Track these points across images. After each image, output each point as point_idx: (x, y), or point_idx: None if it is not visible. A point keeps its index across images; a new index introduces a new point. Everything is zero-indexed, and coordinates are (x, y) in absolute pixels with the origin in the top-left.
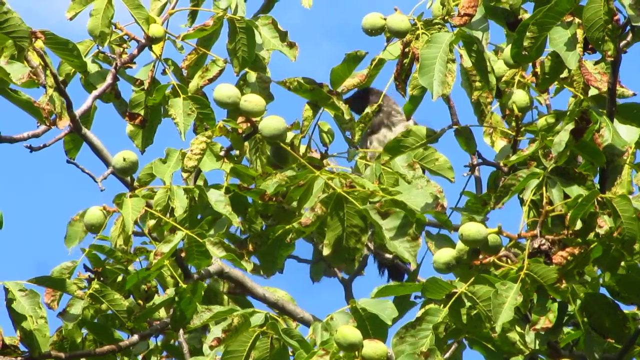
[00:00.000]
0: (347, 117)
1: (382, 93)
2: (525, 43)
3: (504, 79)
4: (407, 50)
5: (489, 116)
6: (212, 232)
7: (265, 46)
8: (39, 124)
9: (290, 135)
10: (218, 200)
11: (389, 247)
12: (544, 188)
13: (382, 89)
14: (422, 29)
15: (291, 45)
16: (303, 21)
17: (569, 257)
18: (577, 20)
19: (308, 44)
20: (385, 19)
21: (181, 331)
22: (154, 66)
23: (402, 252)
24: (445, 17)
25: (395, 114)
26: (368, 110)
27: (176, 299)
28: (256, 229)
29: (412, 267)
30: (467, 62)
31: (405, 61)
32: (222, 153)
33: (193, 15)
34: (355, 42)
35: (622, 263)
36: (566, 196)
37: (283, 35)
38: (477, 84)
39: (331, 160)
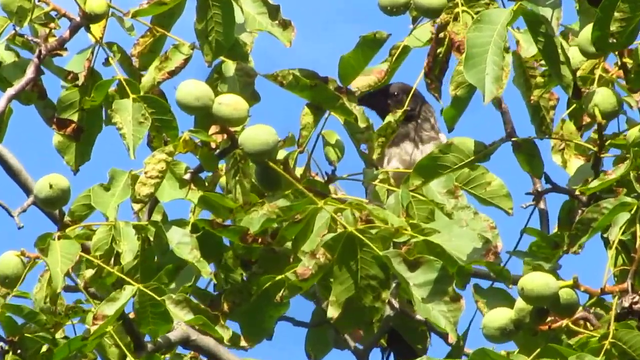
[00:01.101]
0: (362, 124)
1: (410, 90)
2: (613, 26)
3: (578, 73)
4: (442, 35)
5: (558, 125)
6: (173, 286)
7: (249, 26)
8: None
9: (283, 151)
10: (182, 242)
11: (419, 311)
12: (637, 224)
13: (407, 82)
14: (463, 4)
15: (285, 25)
16: None
17: None
18: None
19: (315, 26)
20: None
21: None
22: (92, 53)
23: (437, 318)
24: None
25: (425, 125)
26: (390, 118)
27: None
28: (235, 280)
29: (451, 339)
30: (528, 50)
31: (439, 50)
32: (187, 176)
33: None
34: (379, 24)
35: None
36: None
37: (273, 11)
38: (538, 79)
39: (340, 185)
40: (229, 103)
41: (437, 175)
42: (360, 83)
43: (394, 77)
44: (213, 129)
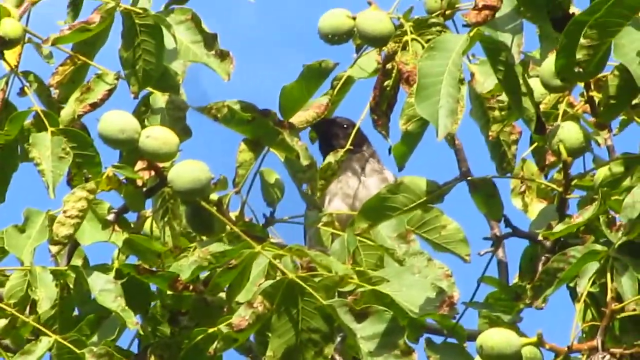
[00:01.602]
0: (305, 161)
1: (352, 125)
2: (580, 54)
3: (541, 107)
4: (389, 66)
5: (519, 166)
6: (95, 338)
7: (182, 57)
8: None
9: (215, 194)
10: (105, 289)
11: None
12: (608, 275)
13: (351, 117)
14: (412, 32)
15: (222, 56)
16: (258, 21)
17: None
18: None
19: (267, 54)
20: (354, 18)
21: None
22: (6, 83)
23: None
24: (447, 12)
25: (372, 159)
26: (331, 158)
27: None
28: (163, 333)
29: None
30: (484, 85)
31: (387, 83)
32: (111, 217)
33: (75, 5)
34: (325, 52)
35: None
36: None
37: (210, 40)
38: (497, 113)
39: (277, 230)
40: (157, 136)
41: (385, 218)
42: (298, 119)
43: (337, 111)
44: (139, 164)
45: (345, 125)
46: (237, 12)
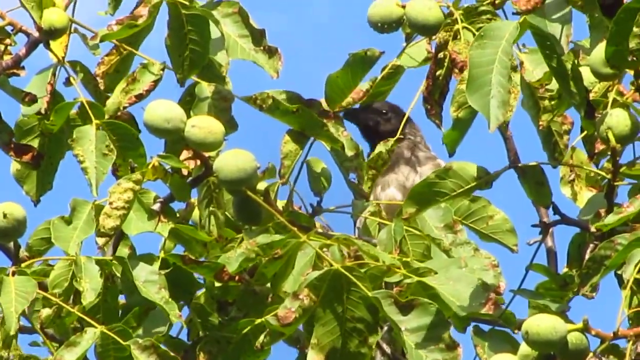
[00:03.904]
0: (350, 152)
1: (392, 110)
2: (632, 42)
3: (590, 96)
4: (441, 55)
5: (568, 154)
6: (140, 331)
7: (230, 53)
8: None
9: (263, 183)
10: (149, 280)
11: (411, 359)
12: None
13: (401, 107)
14: (462, 20)
15: (271, 52)
16: (330, 19)
17: None
18: None
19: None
20: (403, 7)
21: None
22: (54, 75)
23: None
24: (497, 1)
25: (421, 146)
26: (382, 147)
27: None
28: (211, 323)
29: None
30: (533, 73)
31: (439, 72)
32: (157, 207)
33: None
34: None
35: None
36: None
37: (257, 36)
38: (547, 102)
39: (325, 219)
40: (203, 126)
41: (433, 203)
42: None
43: (388, 99)
44: (185, 154)
45: (384, 111)
46: (310, 8)
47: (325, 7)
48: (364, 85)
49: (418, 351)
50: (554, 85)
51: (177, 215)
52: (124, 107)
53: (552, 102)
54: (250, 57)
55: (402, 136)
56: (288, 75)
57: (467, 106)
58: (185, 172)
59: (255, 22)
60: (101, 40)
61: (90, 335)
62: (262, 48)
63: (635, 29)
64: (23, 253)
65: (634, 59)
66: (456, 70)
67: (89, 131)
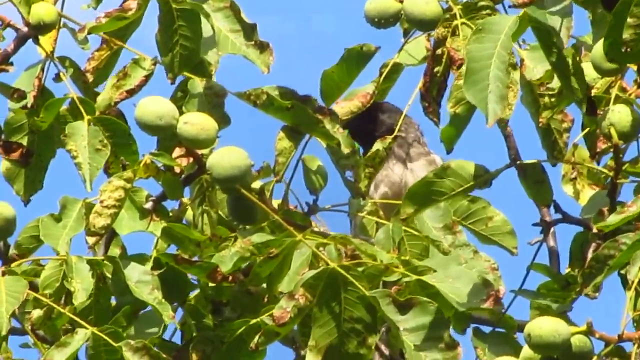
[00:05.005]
0: (346, 149)
1: (399, 112)
2: (626, 34)
3: (592, 92)
4: (439, 51)
5: (570, 151)
6: (132, 331)
7: (221, 47)
8: None
9: (258, 182)
10: (141, 280)
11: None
12: None
13: (397, 103)
14: (462, 16)
15: (262, 47)
16: (336, 27)
17: None
18: None
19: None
20: (401, 1)
21: None
22: (42, 70)
23: None
24: None
25: (415, 142)
26: (379, 145)
27: None
28: (205, 325)
29: None
30: (534, 71)
31: (437, 69)
32: (149, 205)
33: None
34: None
35: None
36: None
37: (249, 30)
38: (547, 99)
39: (321, 218)
40: (196, 122)
41: (432, 203)
42: (342, 110)
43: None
44: (177, 151)
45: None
46: (316, 16)
47: (329, 17)
48: (368, 87)
49: (418, 352)
50: (555, 84)
51: (170, 214)
52: (115, 103)
53: (552, 100)
54: (241, 52)
55: (399, 134)
56: (287, 81)
57: (465, 102)
58: (177, 169)
59: (247, 18)
60: (89, 33)
61: (81, 336)
62: (253, 43)
63: (629, 20)
64: (12, 251)
65: (629, 50)
66: (454, 67)
67: (81, 127)
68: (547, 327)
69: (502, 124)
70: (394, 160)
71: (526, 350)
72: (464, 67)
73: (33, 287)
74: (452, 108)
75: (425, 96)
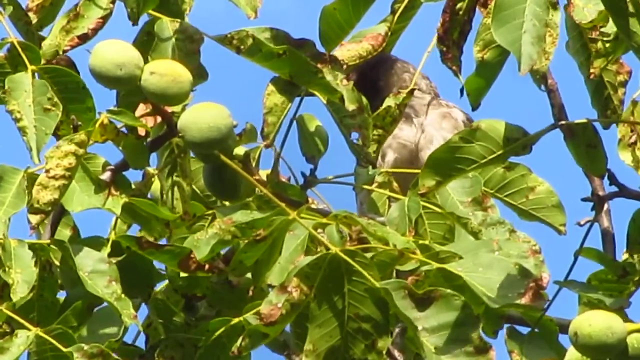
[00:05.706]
0: (351, 105)
1: (408, 66)
2: None
3: None
4: None
5: (628, 110)
6: (84, 332)
7: None
8: None
9: (241, 148)
10: (96, 270)
11: None
12: None
13: (407, 58)
14: None
15: None
16: None
17: None
18: None
19: None
20: None
21: None
22: None
23: None
24: None
25: (426, 97)
26: (391, 102)
27: None
28: (177, 326)
29: None
30: (584, 11)
31: (459, 5)
32: (106, 176)
33: None
34: None
35: None
36: None
37: None
38: (599, 45)
39: (322, 193)
40: (164, 73)
41: (457, 173)
42: (347, 53)
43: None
44: (142, 108)
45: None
46: None
47: None
48: (379, 27)
49: (440, 357)
50: (610, 27)
51: (132, 186)
52: (65, 51)
53: (606, 46)
54: None
55: (415, 87)
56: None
57: (495, 45)
58: (142, 131)
59: None
60: None
61: (23, 340)
62: None
63: None
64: None
65: None
66: (480, 4)
67: (24, 80)
68: (598, 324)
69: (537, 76)
70: (402, 120)
71: (572, 353)
72: (493, 1)
73: None
74: (479, 53)
75: (444, 38)
